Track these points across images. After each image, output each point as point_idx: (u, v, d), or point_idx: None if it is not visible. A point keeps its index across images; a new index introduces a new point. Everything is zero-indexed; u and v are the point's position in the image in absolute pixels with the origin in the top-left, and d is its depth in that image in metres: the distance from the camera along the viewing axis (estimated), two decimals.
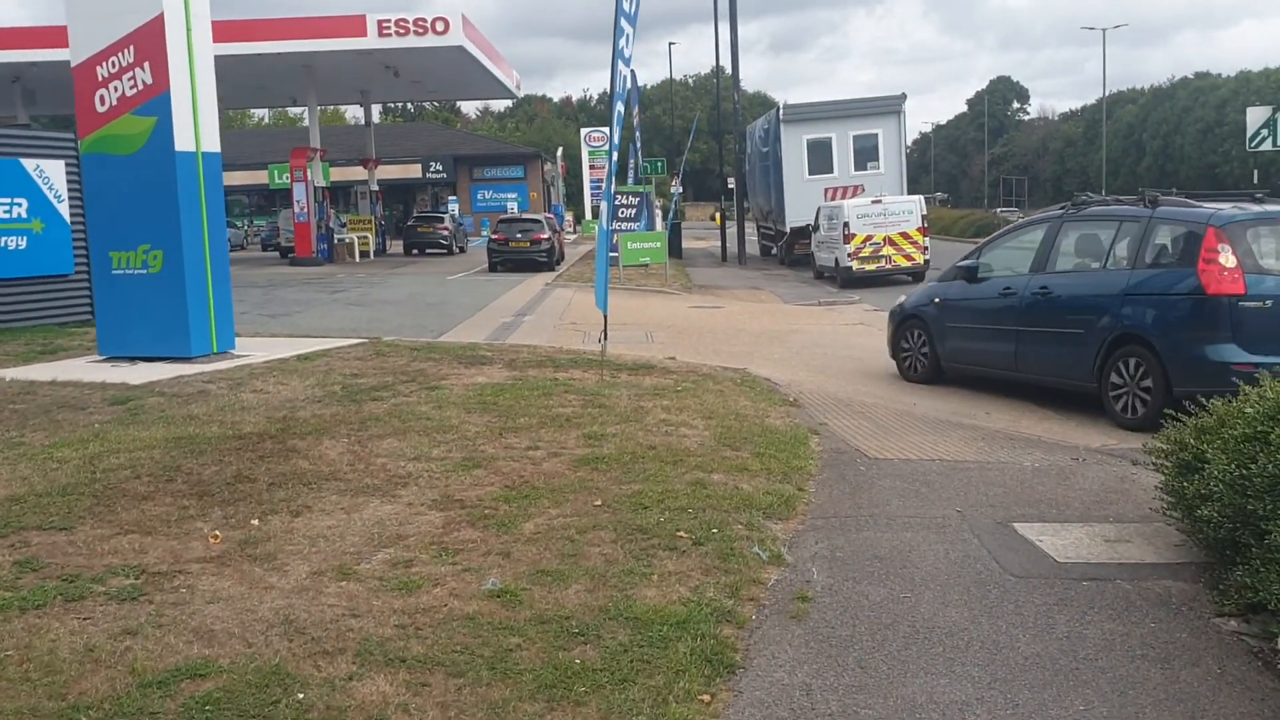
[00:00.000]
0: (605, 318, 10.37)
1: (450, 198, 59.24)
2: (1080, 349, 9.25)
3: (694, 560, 4.94)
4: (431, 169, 60.85)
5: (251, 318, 18.10)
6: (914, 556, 5.26)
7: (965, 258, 11.14)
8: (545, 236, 30.87)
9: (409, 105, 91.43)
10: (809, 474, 6.78)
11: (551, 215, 43.98)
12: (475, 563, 4.89)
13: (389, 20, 30.00)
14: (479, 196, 60.73)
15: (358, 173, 47.01)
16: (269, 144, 58.92)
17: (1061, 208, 10.40)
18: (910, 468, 7.12)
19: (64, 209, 14.59)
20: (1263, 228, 8.64)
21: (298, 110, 56.51)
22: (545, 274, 28.80)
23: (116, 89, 10.93)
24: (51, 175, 14.32)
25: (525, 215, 36.55)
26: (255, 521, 5.51)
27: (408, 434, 7.41)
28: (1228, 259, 8.33)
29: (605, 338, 10.38)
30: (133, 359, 11.13)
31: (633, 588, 4.58)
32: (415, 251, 40.47)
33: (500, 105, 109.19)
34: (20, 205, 14.24)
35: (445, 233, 40.97)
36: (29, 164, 14.28)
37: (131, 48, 10.82)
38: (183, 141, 10.90)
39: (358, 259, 37.09)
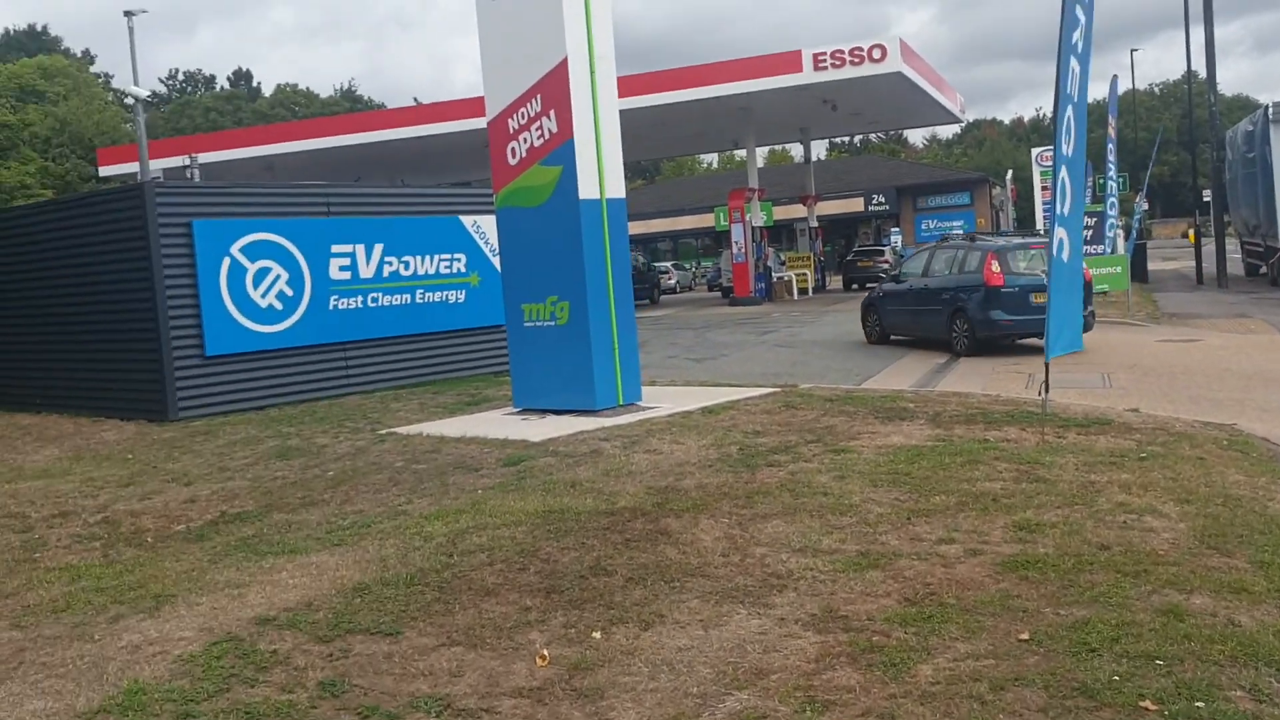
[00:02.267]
0: (1047, 366, 8.65)
1: (893, 229, 57.67)
2: (940, 316, 17.39)
3: None
4: (874, 201, 59.67)
5: (678, 362, 17.89)
6: None
7: (893, 268, 21.37)
8: None
9: (854, 140, 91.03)
10: None
11: None
12: None
13: (824, 53, 29.34)
14: (923, 226, 58.56)
15: (799, 210, 46.89)
16: (717, 187, 60.50)
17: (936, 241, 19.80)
18: None
19: (497, 262, 15.02)
20: (1015, 251, 17.01)
21: (743, 152, 57.54)
22: None
23: (525, 140, 10.82)
24: (486, 230, 14.78)
25: None
26: (597, 635, 4.62)
27: (798, 514, 6.27)
28: (996, 267, 16.47)
29: (1046, 390, 8.67)
30: (542, 411, 10.93)
31: None
32: (855, 286, 39.46)
33: (947, 132, 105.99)
34: (459, 260, 14.82)
35: (885, 266, 39.51)
36: (467, 220, 14.86)
37: (539, 97, 10.66)
38: (587, 189, 10.56)
39: (795, 297, 36.68)
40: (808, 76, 29.41)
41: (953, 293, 17.13)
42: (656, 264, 51.67)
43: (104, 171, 39.10)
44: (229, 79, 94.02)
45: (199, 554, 6.56)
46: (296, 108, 78.69)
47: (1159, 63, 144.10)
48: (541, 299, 10.92)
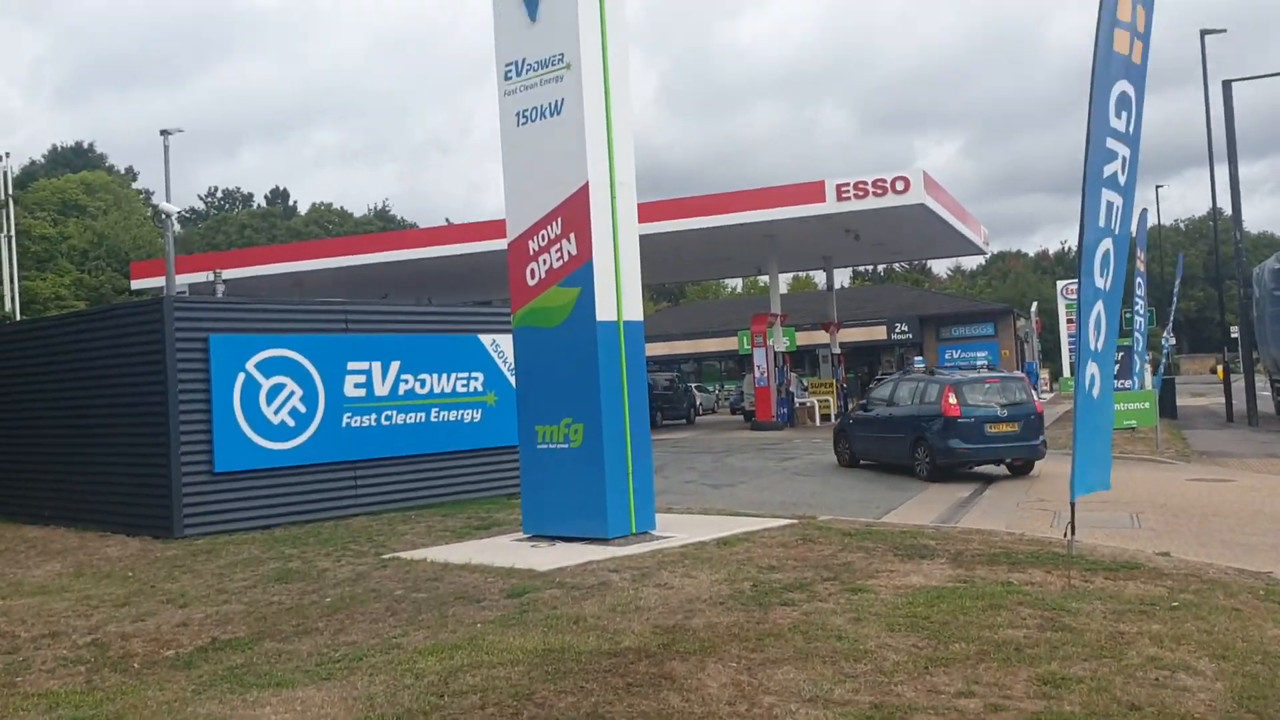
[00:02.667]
0: (1073, 506, 8.35)
1: (916, 358, 57.56)
2: (904, 443, 18.65)
3: None
4: (897, 330, 59.72)
5: (696, 488, 17.58)
6: None
7: (862, 397, 23.10)
8: None
9: (877, 269, 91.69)
10: None
11: (1023, 375, 40.90)
12: None
13: (847, 184, 29.60)
14: (946, 356, 58.38)
15: (822, 336, 46.95)
16: (741, 311, 60.82)
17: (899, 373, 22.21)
18: None
19: (514, 381, 14.93)
20: (969, 385, 18.18)
21: (767, 278, 57.98)
22: None
23: (545, 261, 10.80)
24: (505, 349, 14.71)
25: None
26: None
27: (810, 660, 5.95)
28: (954, 399, 17.70)
29: (1072, 531, 8.35)
30: (553, 538, 10.66)
31: None
32: None
33: (972, 263, 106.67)
34: (477, 379, 14.73)
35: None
36: (486, 339, 14.81)
37: (559, 220, 10.68)
38: (604, 311, 10.48)
39: (817, 423, 36.39)
40: (831, 206, 29.63)
41: (915, 421, 18.50)
42: (693, 384, 51.36)
43: (136, 285, 39.66)
44: (266, 197, 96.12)
45: (184, 683, 6.27)
46: (330, 225, 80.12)
47: (1184, 199, 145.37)
48: (556, 421, 10.75)
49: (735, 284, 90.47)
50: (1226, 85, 30.44)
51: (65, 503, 13.66)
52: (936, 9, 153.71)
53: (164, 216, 27.01)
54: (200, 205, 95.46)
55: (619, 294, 10.65)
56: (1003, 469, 18.50)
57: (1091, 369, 8.28)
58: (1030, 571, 8.35)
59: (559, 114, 10.66)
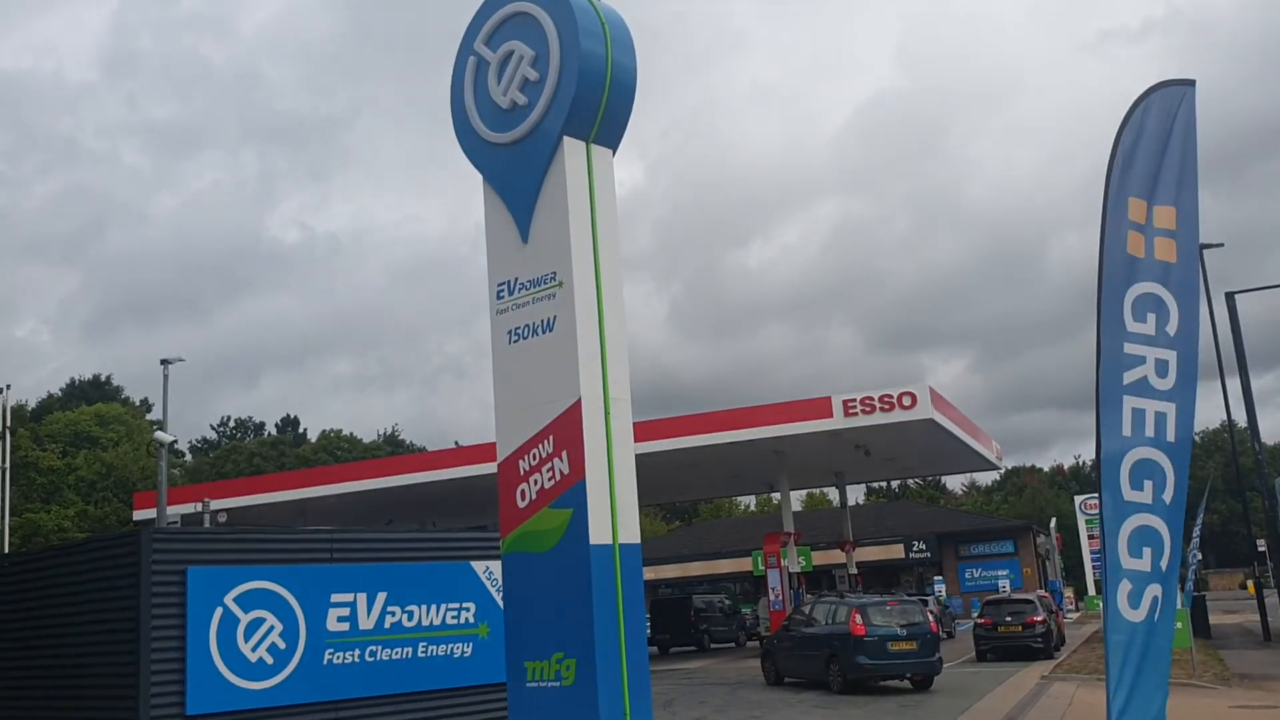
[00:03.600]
0: None
1: (936, 578, 56.03)
2: (819, 660, 21.13)
3: None
4: (914, 548, 58.43)
5: None
6: None
7: (785, 619, 25.14)
8: (1040, 619, 27.25)
9: (891, 485, 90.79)
10: None
11: (1047, 594, 39.54)
12: None
13: (854, 399, 29.43)
14: (966, 575, 56.91)
15: (838, 556, 45.81)
16: (754, 530, 59.78)
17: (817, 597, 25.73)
18: None
19: None
20: (873, 607, 21.11)
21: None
22: (1041, 663, 24.92)
23: (536, 481, 10.26)
24: (498, 576, 13.99)
25: (1016, 595, 32.80)
26: None
27: None
28: (859, 620, 20.31)
29: None
30: None
31: None
32: None
33: (986, 479, 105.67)
34: (468, 610, 13.95)
35: (930, 615, 37.97)
36: (479, 566, 14.11)
37: (551, 438, 10.20)
38: (598, 533, 9.84)
39: None
40: (838, 422, 29.35)
41: (827, 639, 21.11)
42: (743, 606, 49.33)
43: (138, 515, 39.12)
44: (276, 425, 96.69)
45: None
46: (339, 452, 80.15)
47: (1200, 412, 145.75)
48: (547, 656, 9.94)
49: (749, 502, 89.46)
50: (1230, 297, 30.57)
51: None
52: (936, 232, 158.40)
53: (158, 446, 26.71)
54: (212, 435, 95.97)
55: (614, 515, 10.04)
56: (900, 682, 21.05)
57: (1154, 591, 7.53)
58: None
59: (551, 330, 10.35)
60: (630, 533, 10.16)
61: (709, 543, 65.58)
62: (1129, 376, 7.59)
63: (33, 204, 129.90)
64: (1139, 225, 7.84)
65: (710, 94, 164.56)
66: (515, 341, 10.67)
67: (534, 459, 10.32)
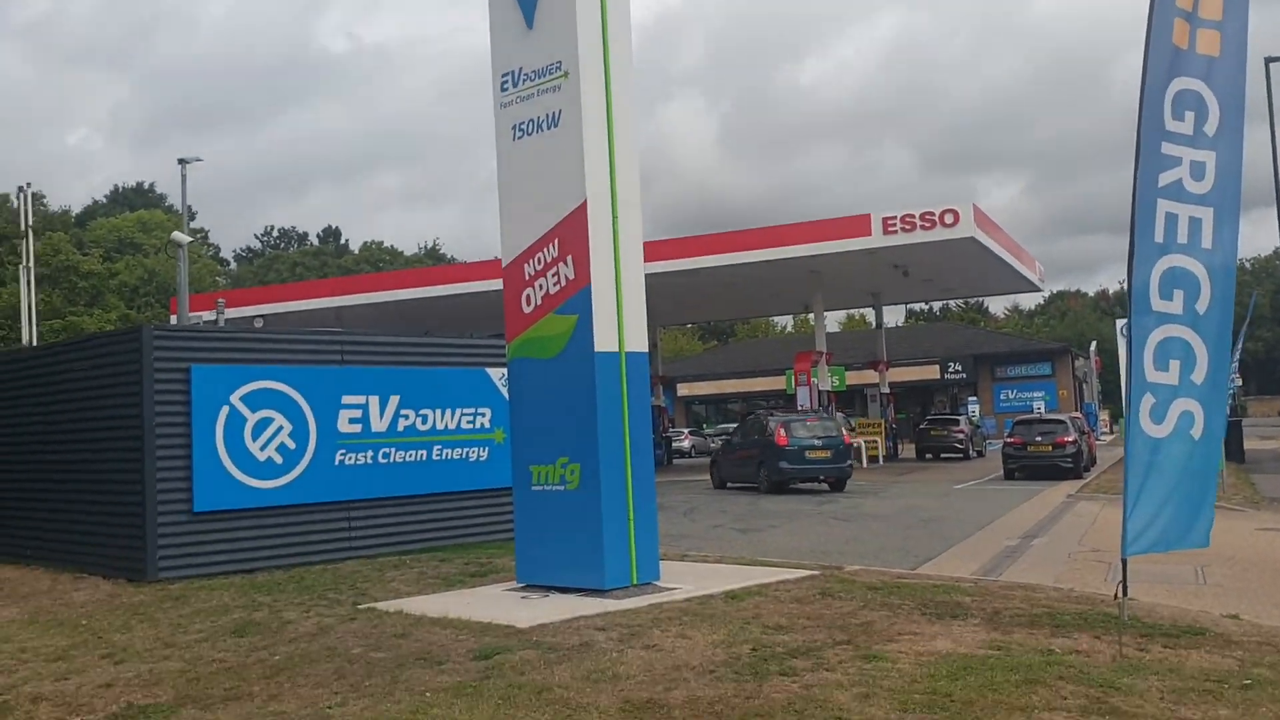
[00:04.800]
0: (1124, 563, 7.24)
1: (970, 399, 55.95)
2: (752, 466, 24.56)
3: None
4: (950, 369, 58.18)
5: (723, 532, 16.56)
6: None
7: (730, 432, 31.85)
8: (1070, 439, 26.98)
9: (932, 307, 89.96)
10: None
11: (1080, 415, 39.28)
12: None
13: (894, 217, 28.56)
14: (1001, 396, 56.75)
15: (872, 376, 45.67)
16: (791, 349, 59.64)
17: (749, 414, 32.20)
18: None
19: None
20: (795, 422, 24.63)
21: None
22: (1070, 482, 24.84)
23: (541, 286, 9.92)
24: None
25: (1047, 415, 32.55)
26: None
27: None
28: (783, 432, 23.80)
29: (1124, 592, 7.23)
30: (546, 589, 9.70)
31: None
32: (928, 456, 37.99)
33: (1030, 302, 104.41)
34: (484, 415, 13.87)
35: (960, 435, 38.06)
36: (494, 373, 13.92)
37: (556, 241, 9.80)
38: (604, 341, 9.56)
39: (864, 464, 35.01)
40: (877, 240, 28.59)
41: (759, 449, 24.50)
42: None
43: (174, 320, 39.50)
44: (318, 235, 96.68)
45: None
46: (380, 263, 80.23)
47: (1253, 239, 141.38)
48: (551, 460, 9.81)
49: (786, 322, 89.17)
50: None
51: (45, 542, 12.95)
52: (1000, 51, 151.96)
53: (177, 246, 26.54)
54: (256, 244, 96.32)
55: (620, 322, 9.72)
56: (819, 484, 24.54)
57: (1187, 405, 7.08)
58: (1076, 637, 7.25)
59: (556, 126, 9.81)
60: (637, 341, 9.86)
61: (744, 361, 65.68)
62: (1164, 179, 6.96)
63: (80, 7, 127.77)
64: (1185, 12, 7.07)
65: None
66: (519, 138, 10.16)
67: (539, 263, 9.96)
